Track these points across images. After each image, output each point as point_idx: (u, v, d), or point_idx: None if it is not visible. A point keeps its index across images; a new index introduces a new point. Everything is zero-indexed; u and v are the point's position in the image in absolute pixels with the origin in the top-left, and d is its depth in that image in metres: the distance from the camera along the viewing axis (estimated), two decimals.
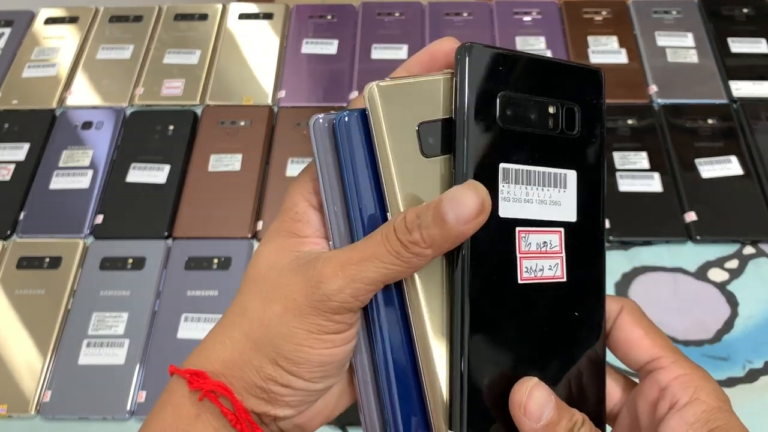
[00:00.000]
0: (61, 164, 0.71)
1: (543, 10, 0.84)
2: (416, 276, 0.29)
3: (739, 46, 0.79)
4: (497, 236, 0.29)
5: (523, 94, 0.30)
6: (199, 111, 0.76)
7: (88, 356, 0.59)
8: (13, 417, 0.57)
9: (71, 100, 0.77)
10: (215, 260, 0.64)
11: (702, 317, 0.60)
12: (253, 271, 0.29)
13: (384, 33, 0.82)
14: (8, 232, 0.67)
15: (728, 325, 0.60)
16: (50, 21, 0.84)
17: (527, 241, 0.30)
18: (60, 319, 0.61)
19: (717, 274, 0.63)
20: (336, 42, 0.81)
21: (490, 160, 0.29)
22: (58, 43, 0.82)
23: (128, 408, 0.56)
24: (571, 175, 0.31)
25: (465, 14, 0.84)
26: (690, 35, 0.80)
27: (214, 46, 0.81)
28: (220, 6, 0.85)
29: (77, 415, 0.56)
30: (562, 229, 0.31)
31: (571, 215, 0.31)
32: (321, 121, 0.30)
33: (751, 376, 0.57)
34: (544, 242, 0.30)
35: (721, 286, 0.62)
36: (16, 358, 0.59)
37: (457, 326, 0.29)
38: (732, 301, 0.61)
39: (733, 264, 0.63)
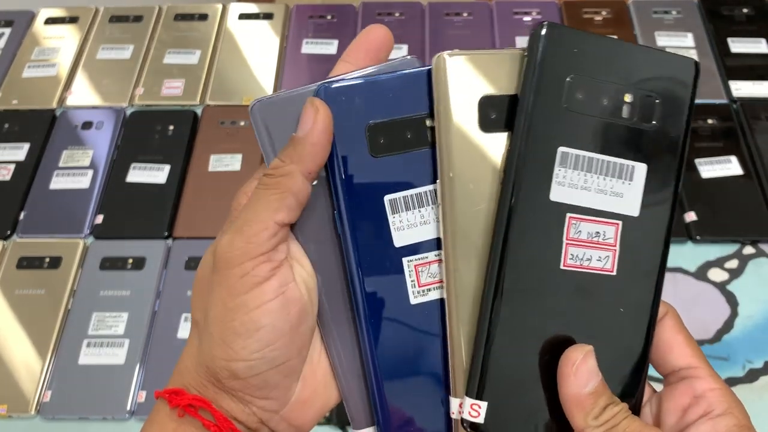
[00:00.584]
0: (61, 164, 0.71)
1: (543, 10, 0.84)
2: (455, 242, 0.29)
3: (739, 46, 0.79)
4: (544, 218, 0.29)
5: (597, 78, 0.29)
6: (199, 111, 0.76)
7: (88, 356, 0.59)
8: (13, 417, 0.57)
9: (71, 100, 0.77)
10: None
11: (702, 317, 0.61)
12: (200, 272, 0.30)
13: None
14: (8, 232, 0.67)
15: (728, 325, 0.60)
16: (50, 21, 0.85)
17: (577, 228, 0.29)
18: (60, 319, 0.61)
19: (717, 274, 0.63)
20: (336, 42, 0.81)
21: (549, 141, 0.29)
22: (58, 43, 0.82)
23: (128, 408, 0.56)
24: (640, 169, 0.30)
25: (465, 14, 0.84)
26: (690, 35, 0.80)
27: (214, 46, 0.81)
28: (220, 6, 0.85)
29: (77, 415, 0.56)
30: (620, 222, 0.29)
31: (633, 209, 0.30)
32: (259, 104, 0.31)
33: (751, 376, 0.57)
34: (597, 233, 0.29)
35: (721, 286, 0.62)
36: (16, 358, 0.59)
37: (489, 296, 0.29)
38: (732, 301, 0.61)
39: (732, 264, 0.63)
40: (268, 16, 0.84)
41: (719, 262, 0.64)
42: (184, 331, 0.60)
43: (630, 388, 0.30)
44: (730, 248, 0.65)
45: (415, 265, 0.30)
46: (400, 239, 0.30)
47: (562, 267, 0.29)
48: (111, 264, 0.64)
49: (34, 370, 0.58)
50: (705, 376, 0.29)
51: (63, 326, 0.61)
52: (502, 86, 0.30)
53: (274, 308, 0.28)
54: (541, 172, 0.29)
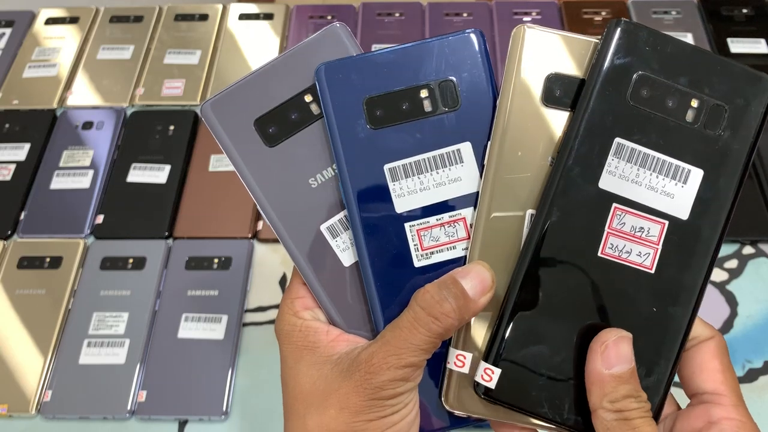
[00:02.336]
0: (61, 164, 0.71)
1: (543, 10, 0.85)
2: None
3: (738, 46, 0.79)
4: (590, 204, 0.29)
5: (667, 79, 0.29)
6: (199, 111, 0.76)
7: (88, 356, 0.59)
8: (13, 417, 0.57)
9: (72, 100, 0.77)
10: (215, 260, 0.64)
11: (701, 317, 0.61)
12: (297, 391, 0.31)
13: (384, 33, 0.82)
14: (9, 232, 0.67)
15: (728, 324, 0.60)
16: (51, 21, 0.85)
17: (621, 219, 0.29)
18: (60, 318, 0.61)
19: (716, 274, 0.63)
20: None
21: (607, 130, 0.29)
22: (59, 43, 0.82)
23: (129, 408, 0.56)
24: (696, 173, 0.30)
25: (465, 14, 0.84)
26: (690, 35, 0.81)
27: (215, 46, 0.81)
28: (220, 6, 0.85)
29: (78, 415, 0.56)
30: (666, 222, 0.30)
31: (682, 212, 0.30)
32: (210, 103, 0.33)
33: (751, 375, 0.57)
34: (641, 228, 0.30)
35: (721, 286, 0.62)
36: (16, 358, 0.59)
37: (521, 268, 0.30)
38: (731, 300, 0.61)
39: (732, 264, 0.63)
40: (268, 17, 0.84)
41: (719, 262, 0.64)
42: (184, 330, 0.60)
43: (649, 392, 0.29)
44: (729, 248, 0.65)
45: (417, 230, 0.32)
46: (401, 206, 0.32)
47: (599, 254, 0.29)
48: (111, 264, 0.64)
49: (34, 369, 0.58)
50: (727, 405, 0.29)
51: (63, 326, 0.61)
52: (573, 67, 0.31)
53: (411, 419, 0.30)
54: (594, 158, 0.29)
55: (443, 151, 0.32)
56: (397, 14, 0.84)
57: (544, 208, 0.29)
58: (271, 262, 0.65)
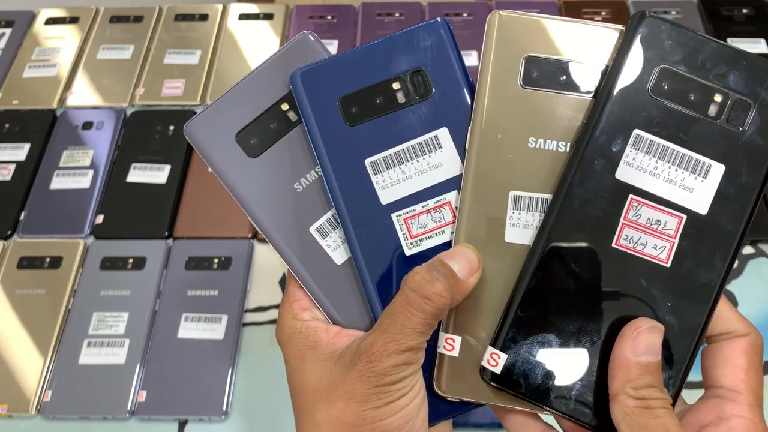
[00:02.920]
0: (61, 164, 0.71)
1: (543, 10, 0.85)
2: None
3: (738, 46, 0.79)
4: (606, 194, 0.29)
5: (689, 73, 0.29)
6: (199, 111, 0.76)
7: (88, 356, 0.59)
8: (13, 417, 0.57)
9: (72, 100, 0.77)
10: (215, 260, 0.64)
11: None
12: (305, 389, 0.31)
13: (384, 33, 0.82)
14: (9, 232, 0.67)
15: None
16: (51, 21, 0.85)
17: (637, 211, 0.29)
18: (60, 318, 0.61)
19: None
20: (336, 42, 0.81)
21: (626, 121, 0.29)
22: (59, 43, 0.82)
23: (129, 408, 0.56)
24: (717, 168, 0.29)
25: (465, 14, 0.84)
26: None
27: (215, 46, 0.81)
28: (220, 6, 0.85)
29: (78, 415, 0.56)
30: (684, 216, 0.29)
31: (701, 207, 0.29)
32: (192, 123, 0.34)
33: None
34: (658, 220, 0.29)
35: None
36: (16, 358, 0.59)
37: (533, 256, 0.30)
38: (731, 300, 0.61)
39: None
40: (268, 17, 0.84)
41: None
42: (184, 330, 0.60)
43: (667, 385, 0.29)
44: None
45: (404, 219, 0.33)
46: (386, 197, 0.33)
47: (613, 245, 0.29)
48: (111, 264, 0.64)
49: (34, 369, 0.58)
50: (741, 403, 0.28)
51: (63, 326, 0.61)
52: (549, 49, 0.31)
53: (419, 400, 0.30)
54: (612, 149, 0.29)
55: (421, 139, 0.32)
56: (397, 14, 0.84)
57: (560, 195, 0.29)
58: (271, 262, 0.65)
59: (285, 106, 0.33)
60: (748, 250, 0.64)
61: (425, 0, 0.86)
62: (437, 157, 0.32)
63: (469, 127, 0.32)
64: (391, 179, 0.32)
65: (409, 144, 0.32)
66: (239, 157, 0.33)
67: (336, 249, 0.33)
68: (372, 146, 0.32)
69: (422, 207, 0.33)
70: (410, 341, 0.29)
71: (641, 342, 0.28)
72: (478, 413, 0.54)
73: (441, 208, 0.32)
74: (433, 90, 0.32)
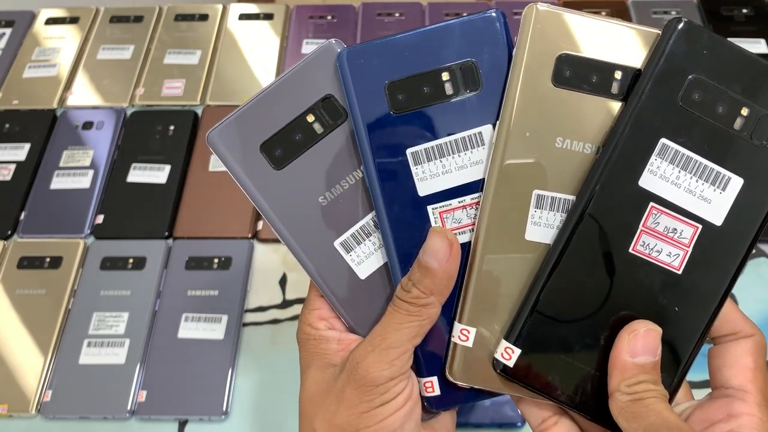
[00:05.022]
0: (61, 164, 0.71)
1: None
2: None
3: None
4: (627, 201, 0.30)
5: (720, 84, 0.29)
6: (199, 111, 0.76)
7: (88, 356, 0.59)
8: (13, 417, 0.57)
9: (72, 100, 0.77)
10: (215, 260, 0.64)
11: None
12: (307, 394, 0.32)
13: (384, 33, 0.82)
14: (9, 232, 0.67)
15: None
16: (51, 21, 0.85)
17: (656, 219, 0.30)
18: (60, 318, 0.61)
19: None
20: None
21: (654, 130, 0.29)
22: (59, 43, 0.82)
23: (129, 408, 0.56)
24: (736, 181, 0.30)
25: (465, 14, 0.84)
26: None
27: (215, 46, 0.81)
28: (220, 6, 0.85)
29: (78, 415, 0.56)
30: (700, 227, 0.30)
31: (716, 218, 0.30)
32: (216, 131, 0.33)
33: None
34: (675, 229, 0.30)
35: None
36: (16, 358, 0.59)
37: (553, 254, 0.30)
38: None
39: None
40: (268, 17, 0.84)
41: None
42: (184, 330, 0.60)
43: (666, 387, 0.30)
44: None
45: (440, 212, 0.32)
46: (423, 189, 0.32)
47: (630, 250, 0.30)
48: (111, 264, 0.64)
49: (34, 369, 0.58)
50: (750, 402, 0.29)
51: (63, 326, 0.61)
52: (584, 48, 0.31)
53: (405, 413, 0.31)
54: (637, 156, 0.29)
55: (465, 134, 0.32)
56: (397, 14, 0.84)
57: (583, 198, 0.30)
58: (271, 262, 0.65)
59: (311, 118, 0.32)
60: None
61: (425, 0, 0.86)
62: (479, 154, 0.32)
63: (497, 123, 0.31)
64: (431, 172, 0.32)
65: (452, 138, 0.32)
66: (264, 168, 0.32)
67: (360, 264, 0.33)
68: (415, 136, 0.32)
69: (459, 202, 0.32)
70: (396, 349, 0.30)
71: (638, 344, 0.28)
72: (478, 413, 0.55)
73: (477, 206, 0.32)
74: (482, 84, 0.32)
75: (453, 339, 0.32)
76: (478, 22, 0.32)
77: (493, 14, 0.32)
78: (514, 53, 0.31)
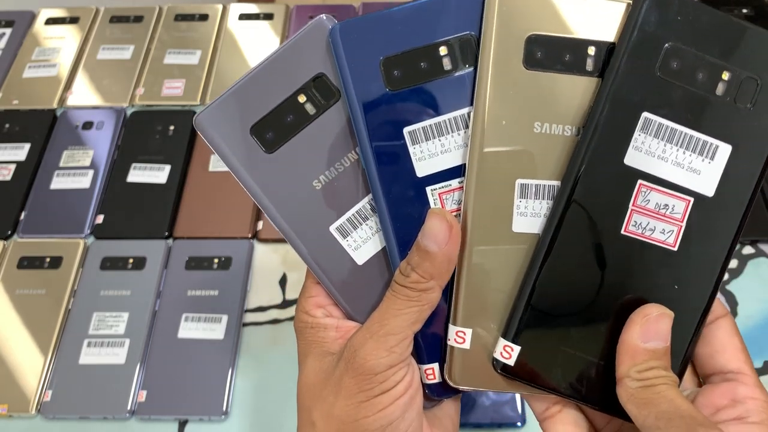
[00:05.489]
0: (61, 164, 0.71)
1: None
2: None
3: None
4: (614, 180, 0.29)
5: (698, 51, 0.28)
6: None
7: (88, 356, 0.59)
8: (13, 417, 0.57)
9: (72, 100, 0.77)
10: (215, 260, 0.64)
11: None
12: (305, 384, 0.31)
13: None
14: (9, 232, 0.67)
15: None
16: (51, 21, 0.85)
17: (646, 197, 0.29)
18: (60, 318, 0.61)
19: None
20: None
21: (634, 104, 0.28)
22: (59, 43, 0.82)
23: (129, 408, 0.56)
24: (724, 149, 0.29)
25: None
26: None
27: (215, 46, 0.81)
28: (220, 6, 0.85)
29: (78, 415, 0.56)
30: (691, 200, 0.29)
31: (708, 189, 0.29)
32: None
33: None
34: (666, 205, 0.29)
35: (721, 286, 0.62)
36: (16, 358, 0.59)
37: (542, 245, 0.29)
38: (731, 301, 0.61)
39: (732, 264, 0.63)
40: (268, 17, 0.84)
41: None
42: (184, 330, 0.60)
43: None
44: None
45: (439, 194, 0.31)
46: (421, 169, 0.31)
47: (622, 232, 0.29)
48: (111, 264, 0.64)
49: (34, 369, 0.58)
50: (751, 385, 0.29)
51: (63, 326, 0.61)
52: (553, 27, 0.30)
53: (405, 402, 0.30)
54: (620, 133, 0.28)
55: (464, 111, 0.31)
56: None
57: (568, 184, 0.29)
58: (271, 262, 0.65)
59: (302, 98, 0.31)
60: (748, 250, 0.64)
61: None
62: (466, 137, 0.31)
63: (471, 113, 0.30)
64: (429, 151, 0.31)
65: (451, 116, 0.31)
66: (254, 151, 0.31)
67: (357, 249, 0.32)
68: (412, 114, 0.30)
69: (459, 183, 0.31)
70: (395, 336, 0.29)
71: (650, 328, 0.28)
72: (478, 413, 0.55)
73: None
74: None
75: (449, 342, 0.31)
76: None
77: None
78: (481, 39, 0.30)
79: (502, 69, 0.29)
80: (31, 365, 0.59)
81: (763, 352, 0.58)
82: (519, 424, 0.55)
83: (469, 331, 0.30)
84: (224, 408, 0.56)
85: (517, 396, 0.55)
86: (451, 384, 0.31)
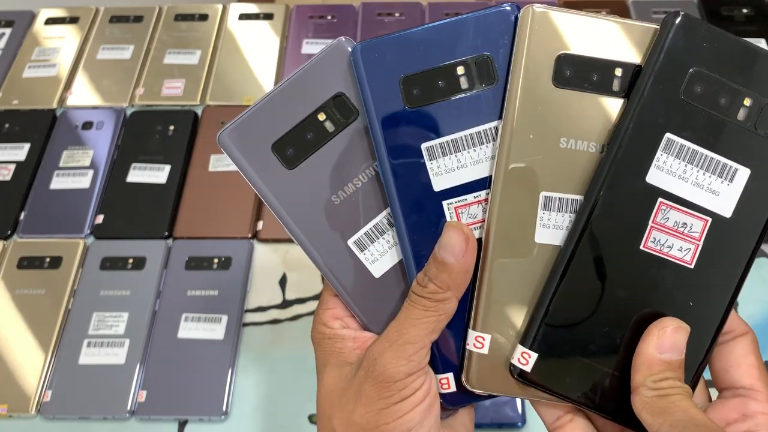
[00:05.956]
0: (61, 164, 0.71)
1: None
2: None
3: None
4: (636, 198, 0.30)
5: (721, 76, 0.29)
6: (199, 111, 0.76)
7: (88, 356, 0.59)
8: (13, 417, 0.57)
9: (72, 100, 0.77)
10: (215, 260, 0.64)
11: None
12: (324, 392, 0.32)
13: (384, 33, 0.82)
14: (9, 232, 0.67)
15: None
16: (51, 21, 0.85)
17: (665, 214, 0.30)
18: (60, 318, 0.61)
19: None
20: None
21: (658, 125, 0.29)
22: (59, 43, 0.82)
23: (128, 408, 0.56)
24: (743, 172, 0.30)
25: (465, 14, 0.84)
26: None
27: (215, 46, 0.81)
28: (220, 6, 0.85)
29: (77, 415, 0.56)
30: (709, 219, 0.30)
31: (725, 210, 0.30)
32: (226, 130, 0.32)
33: None
34: (684, 223, 0.30)
35: None
36: (16, 358, 0.59)
37: (564, 256, 0.30)
38: None
39: None
40: (268, 17, 0.84)
41: None
42: (184, 330, 0.60)
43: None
44: None
45: (455, 207, 0.32)
46: (438, 184, 0.32)
47: (641, 247, 0.30)
48: (111, 264, 0.64)
49: (34, 369, 0.58)
50: (762, 401, 0.29)
51: (63, 326, 0.61)
52: (583, 47, 0.31)
53: (424, 408, 0.30)
54: (643, 153, 0.29)
55: (480, 128, 0.32)
56: (397, 14, 0.84)
57: (591, 198, 0.30)
58: (271, 262, 0.65)
59: (322, 116, 0.32)
60: None
61: (425, 0, 0.86)
62: (494, 149, 0.32)
63: (500, 126, 0.31)
64: (446, 166, 0.32)
65: (467, 132, 0.32)
66: (276, 168, 0.32)
67: (374, 262, 0.33)
68: (430, 130, 0.32)
69: (474, 197, 0.32)
70: (413, 344, 0.30)
71: (667, 340, 0.29)
72: (478, 413, 0.55)
73: None
74: (497, 78, 0.32)
75: (468, 347, 0.32)
76: (492, 16, 0.32)
77: (508, 8, 0.32)
78: (512, 56, 0.31)
79: (531, 85, 0.31)
80: (31, 365, 0.59)
81: (763, 352, 0.58)
82: (519, 424, 0.55)
83: (488, 337, 0.31)
84: (224, 408, 0.56)
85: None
86: (468, 387, 0.32)
